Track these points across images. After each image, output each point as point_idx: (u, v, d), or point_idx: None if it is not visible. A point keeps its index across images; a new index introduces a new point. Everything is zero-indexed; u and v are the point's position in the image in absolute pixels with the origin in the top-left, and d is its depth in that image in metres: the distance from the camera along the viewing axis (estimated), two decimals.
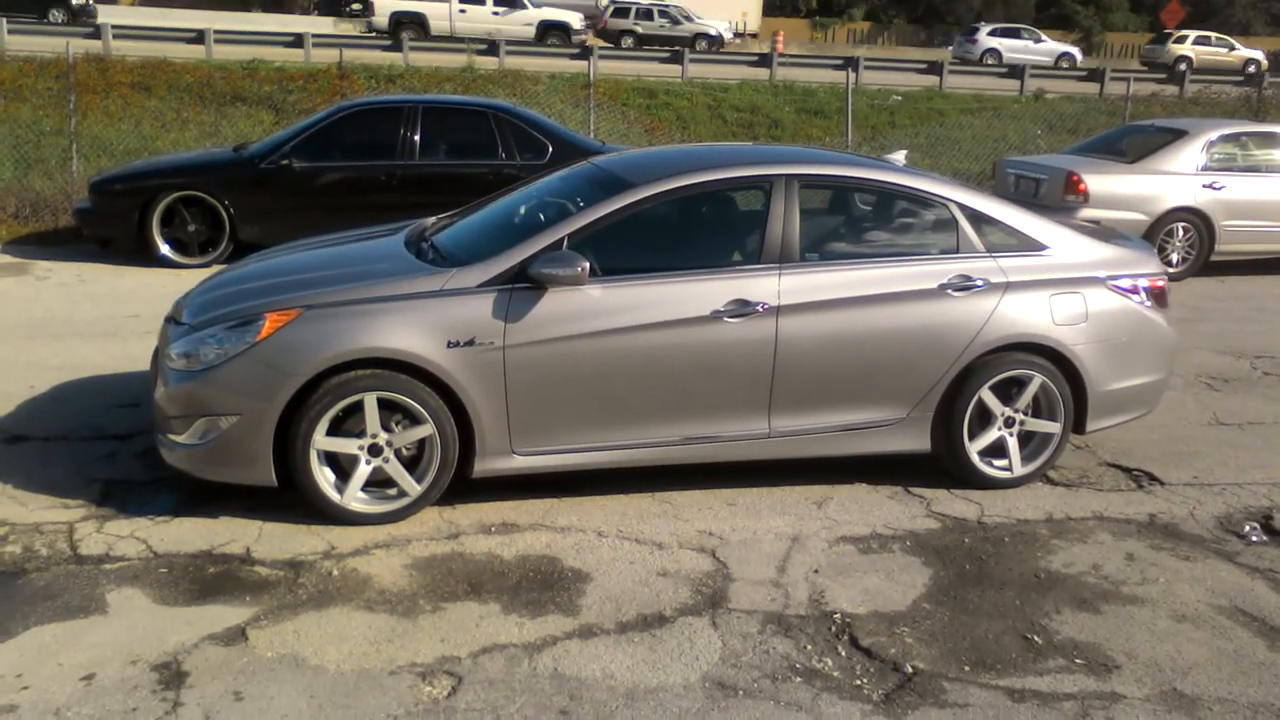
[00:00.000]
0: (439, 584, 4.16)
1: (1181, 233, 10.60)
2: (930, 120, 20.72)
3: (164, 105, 16.65)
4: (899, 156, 6.53)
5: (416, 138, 9.62)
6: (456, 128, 9.89)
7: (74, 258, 9.91)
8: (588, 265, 4.48)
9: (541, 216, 5.11)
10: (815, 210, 5.08)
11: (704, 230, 5.06)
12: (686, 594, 4.14)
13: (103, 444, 5.44)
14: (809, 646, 3.80)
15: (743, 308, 4.73)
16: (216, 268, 9.42)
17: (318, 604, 3.98)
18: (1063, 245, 5.24)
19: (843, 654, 3.77)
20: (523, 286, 4.56)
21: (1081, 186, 10.39)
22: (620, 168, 5.19)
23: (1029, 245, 5.17)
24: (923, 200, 5.13)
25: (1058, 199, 10.40)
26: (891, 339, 4.91)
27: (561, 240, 4.63)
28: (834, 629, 3.93)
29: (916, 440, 5.09)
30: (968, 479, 5.16)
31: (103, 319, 7.85)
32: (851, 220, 5.20)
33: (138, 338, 7.36)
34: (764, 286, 4.77)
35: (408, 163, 9.60)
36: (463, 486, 4.74)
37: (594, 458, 4.78)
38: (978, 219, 5.12)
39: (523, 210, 5.37)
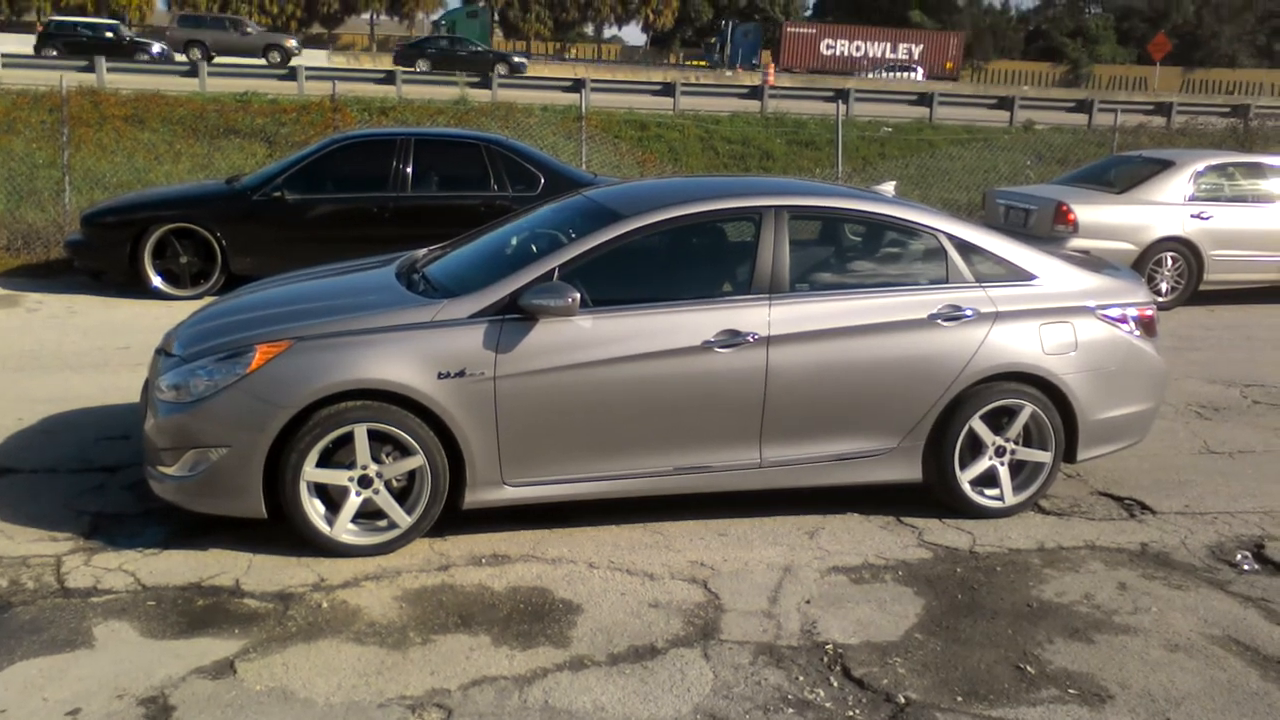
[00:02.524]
0: (429, 616, 4.13)
1: (1170, 262, 10.66)
2: (921, 151, 20.87)
3: (157, 138, 16.72)
4: (888, 187, 6.58)
5: (409, 170, 9.66)
6: (449, 160, 9.92)
7: (65, 290, 9.90)
8: (578, 296, 4.49)
9: (533, 248, 5.13)
10: (805, 241, 5.10)
11: (694, 261, 5.08)
12: (678, 625, 4.13)
13: (91, 476, 5.41)
14: (801, 678, 3.78)
15: (733, 338, 4.74)
16: (208, 299, 9.44)
17: (307, 636, 3.95)
18: (1052, 275, 5.27)
19: (835, 685, 3.75)
20: (514, 317, 4.57)
21: (1071, 216, 10.46)
22: (611, 199, 5.22)
23: (1018, 275, 5.20)
24: (912, 231, 5.16)
25: (1047, 229, 10.46)
26: (882, 369, 4.92)
27: (552, 271, 4.64)
28: (826, 660, 3.91)
29: (908, 470, 5.09)
30: (959, 508, 5.16)
31: (93, 351, 7.84)
32: (841, 251, 5.23)
33: (128, 369, 7.34)
34: (754, 317, 4.78)
35: (400, 195, 9.63)
36: (453, 518, 4.73)
37: (585, 488, 4.77)
38: (966, 249, 5.15)
39: (514, 242, 5.38)
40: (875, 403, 4.96)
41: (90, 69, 22.62)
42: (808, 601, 4.36)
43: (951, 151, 19.92)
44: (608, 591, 4.37)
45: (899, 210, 5.22)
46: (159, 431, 4.53)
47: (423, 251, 5.75)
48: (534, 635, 4.01)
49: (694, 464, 4.85)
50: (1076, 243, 9.90)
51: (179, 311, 9.17)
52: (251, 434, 4.36)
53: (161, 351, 4.95)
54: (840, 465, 5.02)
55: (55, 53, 31.49)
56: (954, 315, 4.99)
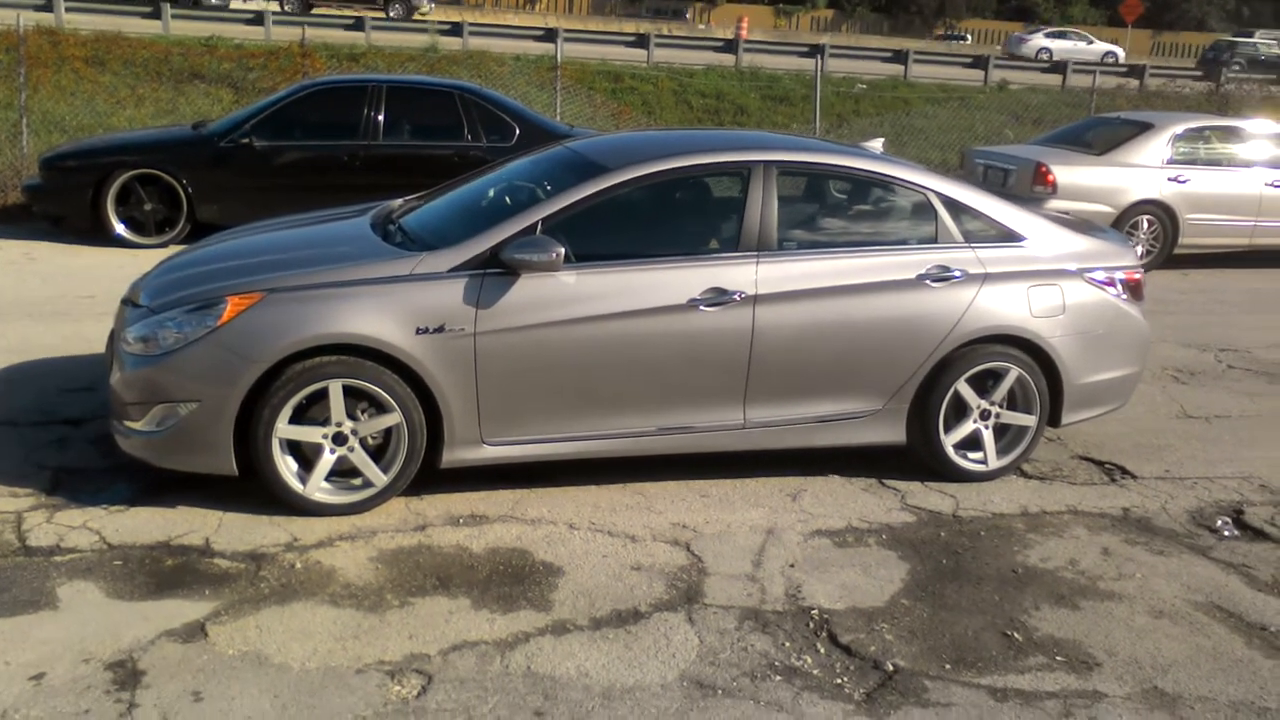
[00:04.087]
0: (406, 578, 4.03)
1: (1146, 225, 10.64)
2: (896, 109, 20.74)
3: (118, 81, 16.23)
4: (876, 144, 6.46)
5: (380, 118, 9.42)
6: (421, 108, 9.69)
7: (23, 235, 9.61)
8: (563, 251, 4.36)
9: (513, 200, 4.98)
10: (794, 198, 4.99)
11: (680, 217, 4.96)
12: (661, 589, 4.05)
13: (53, 429, 5.24)
14: (787, 644, 3.72)
15: (719, 296, 4.63)
16: (174, 248, 9.21)
17: (280, 598, 3.84)
18: (1040, 237, 5.19)
19: (822, 651, 3.69)
20: (495, 272, 4.44)
21: (1050, 177, 10.40)
22: (595, 152, 5.07)
23: (1007, 236, 5.11)
24: (902, 189, 5.05)
25: (1026, 189, 10.39)
26: (869, 330, 4.83)
27: (535, 225, 4.51)
28: (812, 625, 3.86)
29: (892, 432, 5.03)
30: (943, 472, 5.11)
31: (54, 299, 7.61)
32: (830, 208, 5.12)
33: (92, 319, 7.14)
34: (741, 275, 4.68)
35: (371, 143, 9.40)
36: (429, 477, 4.61)
37: (566, 448, 4.67)
38: (956, 209, 5.06)
39: (493, 194, 5.23)
40: (861, 364, 4.88)
41: (48, 8, 21.94)
42: (791, 565, 4.30)
43: (927, 110, 19.80)
44: (589, 553, 4.29)
45: (889, 168, 5.11)
46: (125, 385, 4.37)
47: (398, 202, 5.58)
48: (514, 598, 3.92)
49: (677, 424, 4.75)
50: (1055, 204, 9.84)
51: (143, 260, 8.94)
52: (222, 388, 4.22)
53: (128, 302, 4.77)
54: (824, 427, 4.94)
55: None
56: (943, 276, 4.90)
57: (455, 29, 24.19)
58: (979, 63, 27.25)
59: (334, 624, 3.69)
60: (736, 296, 4.64)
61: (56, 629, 3.57)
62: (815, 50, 23.93)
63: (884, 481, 5.12)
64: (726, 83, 22.43)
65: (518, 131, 9.56)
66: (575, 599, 3.94)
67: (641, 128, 15.29)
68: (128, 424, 4.40)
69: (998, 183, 10.88)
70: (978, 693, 3.51)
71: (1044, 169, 10.44)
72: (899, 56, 26.93)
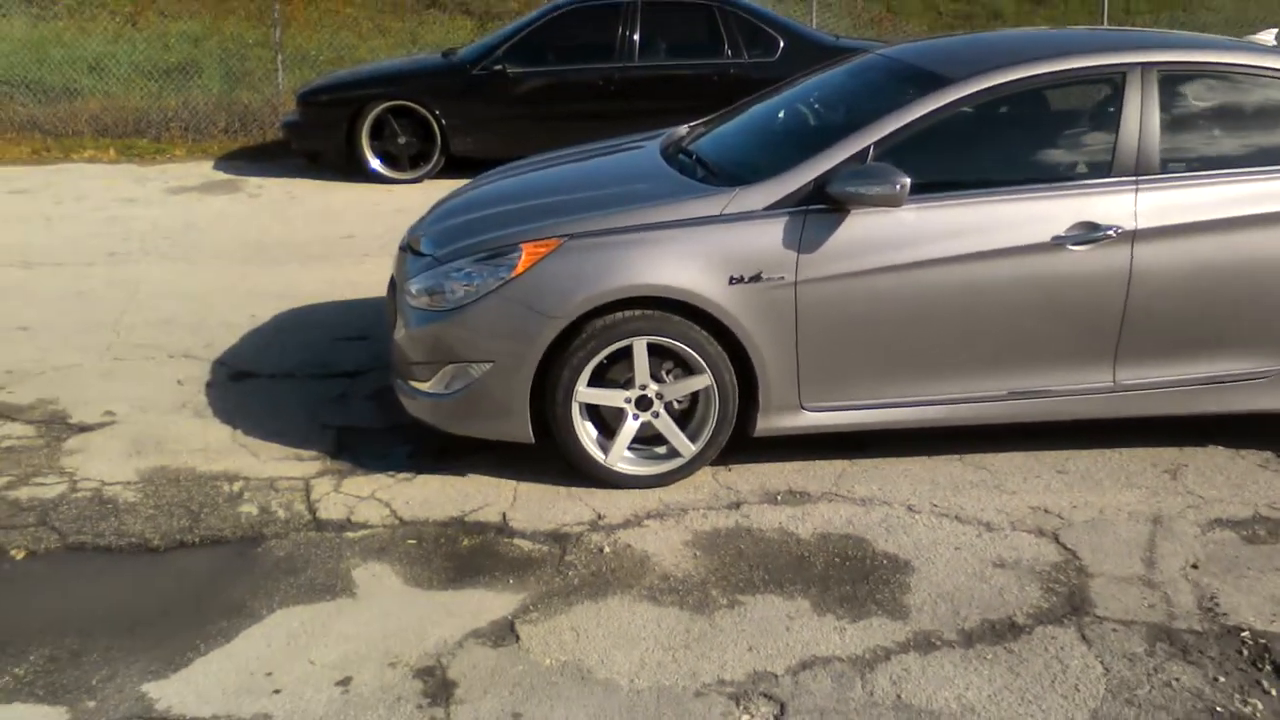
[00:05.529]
0: (731, 569, 3.47)
1: None
2: (1174, 5, 18.56)
3: (360, 13, 16.32)
4: (1267, 36, 5.35)
5: (635, 37, 8.83)
6: (678, 24, 9.02)
7: (283, 173, 9.62)
8: (908, 182, 3.62)
9: (831, 122, 4.28)
10: (1180, 109, 4.04)
11: (1039, 136, 4.12)
12: (1036, 593, 3.34)
13: (332, 383, 4.97)
14: (1221, 678, 2.95)
15: (1090, 232, 3.80)
16: (429, 183, 8.99)
17: (593, 591, 3.36)
18: None
19: (1275, 694, 2.90)
20: (819, 208, 3.76)
21: None
22: (927, 59, 4.28)
23: None
24: None
25: None
26: (1272, 272, 3.89)
27: (866, 150, 3.79)
28: (1246, 654, 3.06)
29: None
30: None
31: (316, 241, 7.46)
32: (1226, 120, 4.13)
33: (353, 261, 6.94)
34: (1117, 206, 3.82)
35: (627, 65, 8.83)
36: (736, 445, 4.03)
37: (899, 415, 3.99)
38: None
39: (803, 115, 4.53)
40: (1259, 314, 3.95)
41: None
42: (1194, 566, 3.49)
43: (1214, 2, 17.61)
44: (938, 544, 3.61)
45: None
46: (412, 342, 3.96)
47: (684, 129, 4.97)
48: (861, 600, 3.30)
49: (1032, 387, 3.98)
50: None
51: (399, 196, 8.80)
52: (518, 347, 3.75)
53: (407, 249, 4.37)
54: (1210, 390, 4.06)
55: None
56: None
57: None
58: None
59: (658, 627, 3.17)
60: (1111, 232, 3.80)
61: (358, 622, 3.20)
62: None
63: None
64: None
65: (782, 45, 8.78)
66: (935, 604, 3.28)
67: (912, 37, 14.11)
68: (414, 384, 4.01)
69: None
70: None
71: None
72: None
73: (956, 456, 4.19)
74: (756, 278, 3.73)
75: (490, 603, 3.31)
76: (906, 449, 4.21)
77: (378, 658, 3.04)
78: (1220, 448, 4.26)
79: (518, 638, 3.12)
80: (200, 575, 3.47)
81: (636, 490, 3.95)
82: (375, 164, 9.07)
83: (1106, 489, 3.96)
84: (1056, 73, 3.96)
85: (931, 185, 3.79)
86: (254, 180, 9.41)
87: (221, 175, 9.65)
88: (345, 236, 7.55)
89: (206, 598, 3.33)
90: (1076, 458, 4.18)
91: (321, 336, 5.57)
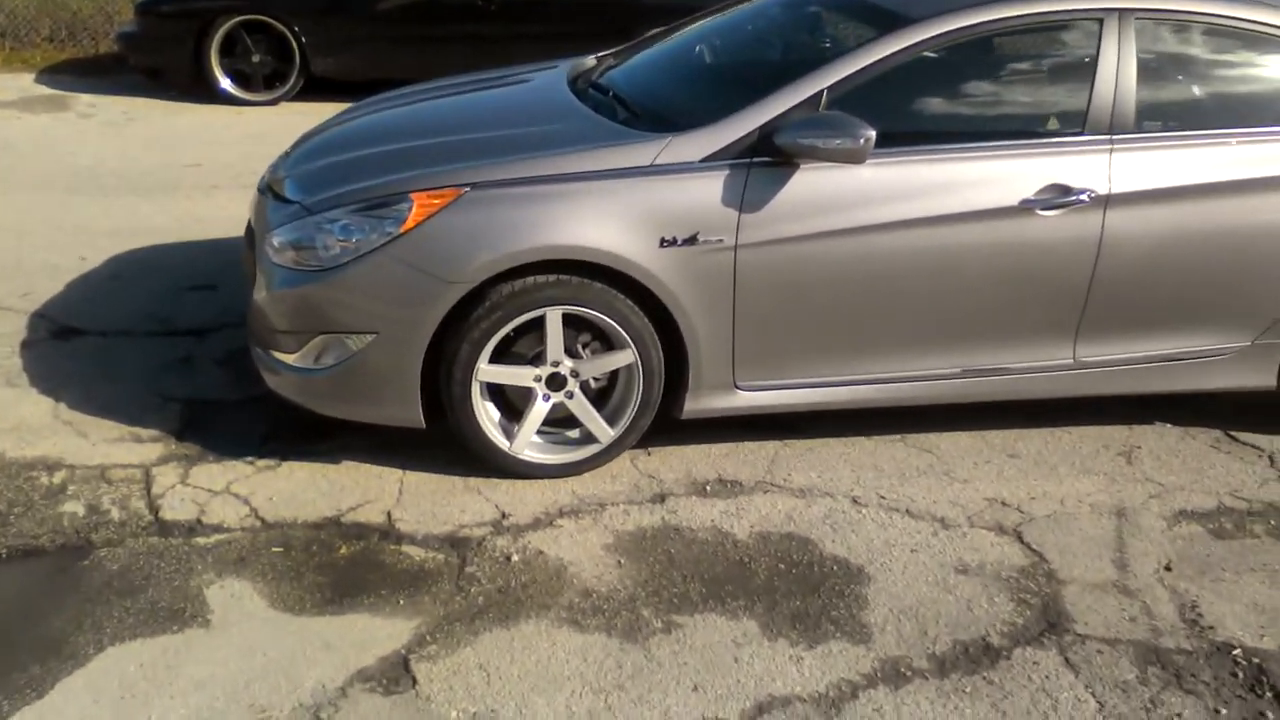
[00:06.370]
0: (662, 581, 2.98)
1: None
2: None
3: None
4: None
5: None
6: None
7: (120, 90, 8.56)
8: (873, 135, 3.12)
9: (777, 61, 3.75)
10: (1159, 61, 3.63)
11: (1007, 87, 3.67)
12: (1008, 606, 2.95)
13: (175, 343, 4.25)
14: (1222, 709, 2.62)
15: (1060, 196, 3.39)
16: (285, 105, 8.13)
17: (502, 613, 2.82)
18: None
19: None
20: (764, 161, 3.23)
21: None
22: None
23: None
24: None
25: None
26: (1251, 242, 3.57)
27: (819, 95, 3.27)
28: (1241, 676, 2.74)
29: (1258, 374, 3.79)
30: None
31: (159, 169, 6.56)
32: (1209, 75, 3.73)
33: (202, 193, 6.12)
34: (1090, 167, 3.41)
35: None
36: (654, 426, 3.52)
37: (843, 394, 3.54)
38: None
39: (738, 50, 3.98)
40: (1231, 288, 3.63)
41: None
42: (1168, 568, 3.16)
43: None
44: (892, 545, 3.19)
45: None
46: (275, 306, 3.30)
47: (591, 60, 4.36)
48: (815, 619, 2.86)
49: (988, 364, 3.58)
50: None
51: (252, 119, 7.90)
52: (408, 316, 3.14)
53: (267, 191, 3.67)
54: (1171, 368, 3.73)
55: None
56: None
57: None
58: None
59: (584, 662, 2.66)
60: (1084, 197, 3.39)
61: (213, 662, 2.59)
62: None
63: (1233, 435, 3.92)
64: None
65: None
66: (898, 621, 2.86)
67: None
68: (277, 355, 3.35)
69: None
70: None
71: None
72: None
73: (898, 437, 3.78)
74: (691, 240, 3.19)
75: (377, 631, 2.73)
76: (843, 428, 3.77)
77: (240, 713, 2.44)
78: (1169, 426, 3.96)
79: (414, 680, 2.57)
80: (6, 601, 2.78)
81: (545, 480, 3.41)
82: (225, 84, 8.13)
83: (1063, 476, 3.61)
84: (1029, 15, 3.48)
85: (889, 138, 3.29)
86: (84, 98, 8.34)
87: (45, 90, 8.53)
88: (191, 165, 6.68)
89: (14, 633, 2.66)
90: (1026, 439, 3.82)
91: (163, 284, 4.80)
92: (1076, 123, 3.46)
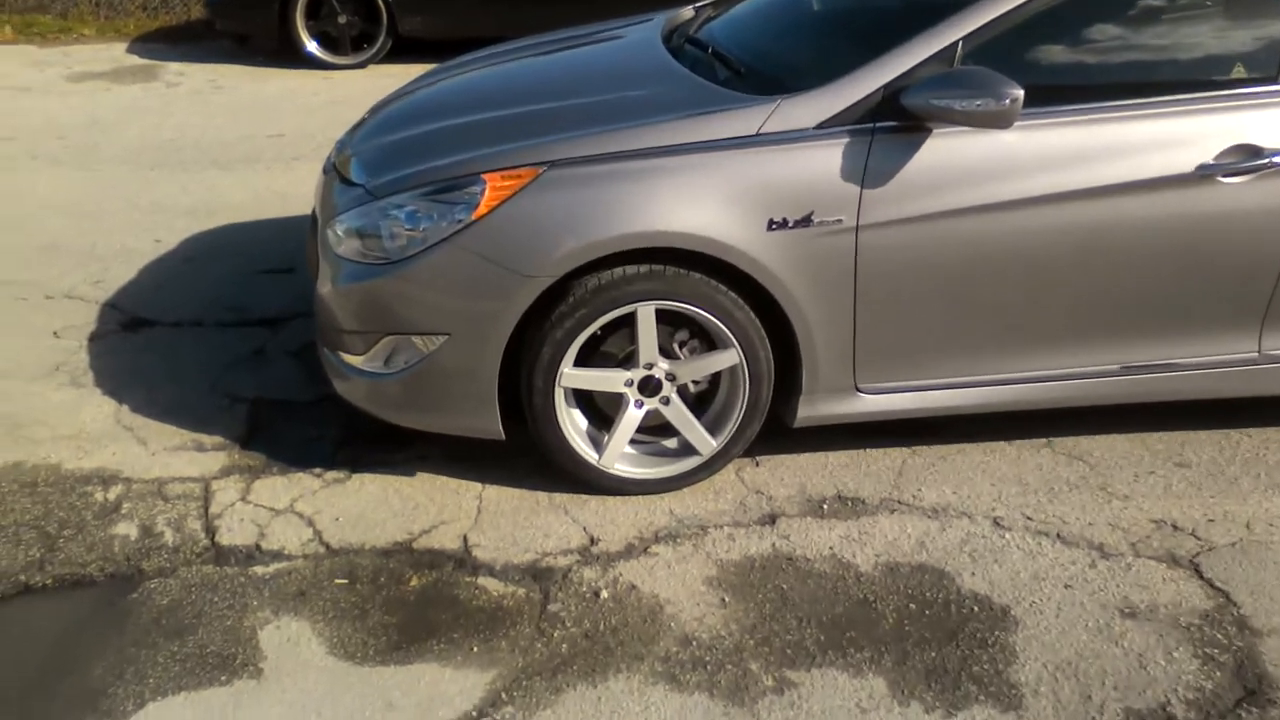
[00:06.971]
0: (773, 625, 2.57)
1: None
2: None
3: None
4: None
5: None
6: None
7: (208, 58, 8.37)
8: (1021, 95, 2.62)
9: (897, 7, 3.23)
10: None
11: (1180, 30, 3.09)
12: (1190, 664, 2.46)
13: (246, 334, 3.97)
14: None
15: (1247, 159, 2.83)
16: (373, 68, 7.83)
17: (588, 666, 2.45)
18: None
19: None
20: (889, 126, 2.75)
21: None
22: None
23: None
24: None
25: None
26: None
27: (954, 48, 2.77)
28: None
29: None
30: None
31: (241, 140, 6.32)
32: None
33: (283, 165, 5.85)
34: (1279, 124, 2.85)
35: None
36: (762, 432, 3.09)
37: (980, 396, 3.06)
38: None
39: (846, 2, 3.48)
40: None
41: None
42: None
43: None
44: (1041, 579, 2.72)
45: None
46: (340, 302, 2.95)
47: (689, 10, 3.91)
48: (954, 676, 2.42)
49: (1153, 360, 3.06)
50: None
51: (339, 84, 7.61)
52: (483, 315, 2.76)
53: (333, 171, 3.32)
54: None
55: None
56: None
57: None
58: None
59: None
60: (1275, 160, 2.83)
61: None
62: None
63: None
64: None
65: None
66: (1055, 681, 2.41)
67: None
68: (346, 358, 3.01)
69: None
70: None
71: None
72: None
73: (1044, 442, 3.29)
74: (805, 221, 2.74)
75: (448, 687, 2.39)
76: (979, 432, 3.30)
77: None
78: None
79: None
80: (45, 642, 2.52)
81: (638, 497, 3.02)
82: (312, 47, 7.86)
83: (1246, 492, 3.08)
84: None
85: (1038, 96, 2.77)
86: (173, 66, 8.16)
87: (135, 60, 8.38)
88: (275, 135, 6.42)
89: (51, 681, 2.39)
90: (1195, 444, 3.29)
91: (239, 268, 4.53)
92: (1269, 69, 2.89)
